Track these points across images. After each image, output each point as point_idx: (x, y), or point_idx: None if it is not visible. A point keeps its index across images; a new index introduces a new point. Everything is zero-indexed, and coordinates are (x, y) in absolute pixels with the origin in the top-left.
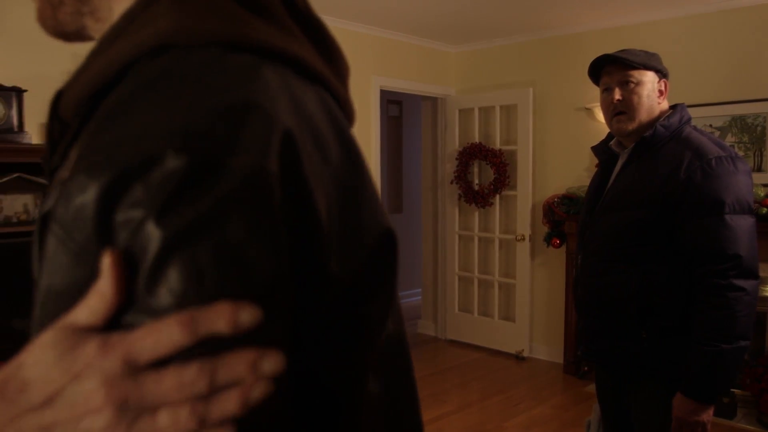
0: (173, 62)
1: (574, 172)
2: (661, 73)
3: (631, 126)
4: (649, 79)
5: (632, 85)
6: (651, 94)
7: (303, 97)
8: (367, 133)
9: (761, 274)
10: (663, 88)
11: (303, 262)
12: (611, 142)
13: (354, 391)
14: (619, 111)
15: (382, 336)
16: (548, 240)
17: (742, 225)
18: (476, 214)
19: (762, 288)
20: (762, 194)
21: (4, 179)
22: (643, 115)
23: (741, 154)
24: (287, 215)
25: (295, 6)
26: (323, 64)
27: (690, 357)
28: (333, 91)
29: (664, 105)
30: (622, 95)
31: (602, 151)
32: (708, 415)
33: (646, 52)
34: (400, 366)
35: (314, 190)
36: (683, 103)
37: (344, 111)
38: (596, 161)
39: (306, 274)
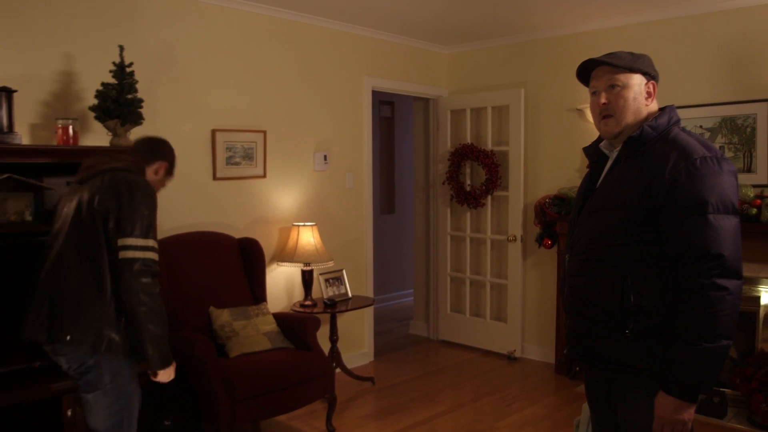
0: None
1: (566, 172)
2: (649, 75)
3: (617, 128)
4: (635, 82)
5: (618, 88)
6: (638, 96)
7: None
8: (360, 134)
9: (750, 274)
10: (651, 90)
11: None
12: (601, 144)
13: None
14: (606, 114)
15: None
16: (540, 240)
17: (726, 225)
18: (468, 214)
19: (751, 288)
20: (752, 195)
21: None
22: (630, 118)
23: (731, 155)
24: None
25: None
26: None
27: (672, 356)
28: None
29: (653, 107)
30: (607, 99)
31: (592, 152)
32: (689, 414)
33: (633, 54)
34: None
35: None
36: (672, 105)
37: None
38: (587, 162)
39: None
